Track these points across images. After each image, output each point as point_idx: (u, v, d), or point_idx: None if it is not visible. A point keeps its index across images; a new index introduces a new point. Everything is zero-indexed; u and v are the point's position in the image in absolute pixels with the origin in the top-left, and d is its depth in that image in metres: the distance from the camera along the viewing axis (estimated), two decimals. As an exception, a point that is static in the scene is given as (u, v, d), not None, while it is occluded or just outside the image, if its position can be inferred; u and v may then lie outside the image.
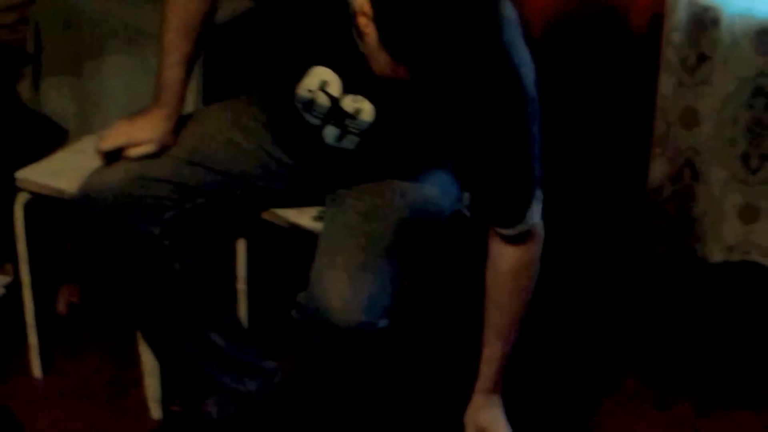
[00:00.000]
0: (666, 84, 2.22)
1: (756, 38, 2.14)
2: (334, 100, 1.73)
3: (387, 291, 1.68)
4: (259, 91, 1.94)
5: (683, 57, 2.19)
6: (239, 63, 2.23)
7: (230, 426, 1.98)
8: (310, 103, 1.76)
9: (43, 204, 2.05)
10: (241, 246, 2.00)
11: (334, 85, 1.72)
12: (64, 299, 2.38)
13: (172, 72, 1.82)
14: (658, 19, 2.23)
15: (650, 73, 2.25)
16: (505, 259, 1.73)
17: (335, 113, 1.75)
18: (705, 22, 2.17)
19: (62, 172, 2.03)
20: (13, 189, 2.04)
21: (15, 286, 2.24)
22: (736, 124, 2.19)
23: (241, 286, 2.03)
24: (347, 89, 1.72)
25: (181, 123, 1.85)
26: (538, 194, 1.70)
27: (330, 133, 1.78)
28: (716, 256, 2.28)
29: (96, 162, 1.83)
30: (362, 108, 1.72)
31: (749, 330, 2.34)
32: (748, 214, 2.24)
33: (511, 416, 1.95)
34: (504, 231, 1.70)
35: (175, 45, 1.81)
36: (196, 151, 1.83)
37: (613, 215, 2.39)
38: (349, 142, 1.78)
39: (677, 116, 2.23)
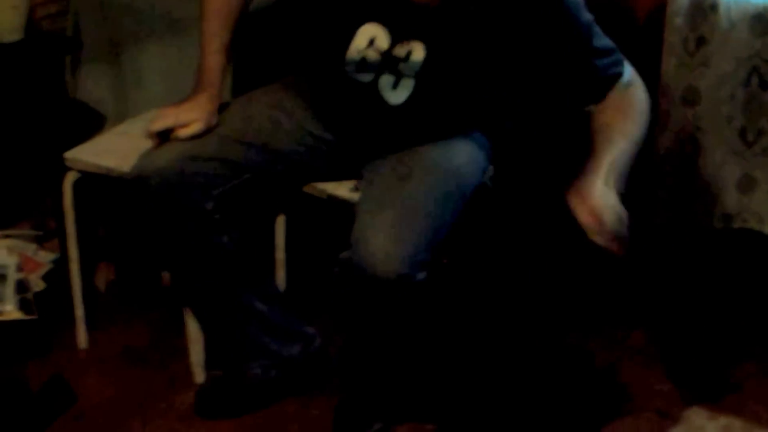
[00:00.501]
0: (668, 65, 2.25)
1: (751, 22, 2.17)
2: (385, 52, 1.80)
3: (425, 247, 1.72)
4: (297, 73, 2.00)
5: (684, 40, 2.23)
6: (268, 52, 2.25)
7: (273, 388, 2.05)
8: (362, 62, 1.81)
9: (85, 185, 2.10)
10: (281, 219, 2.06)
11: (383, 38, 1.79)
12: (103, 276, 2.44)
13: (214, 58, 1.90)
14: (660, 5, 2.26)
15: (654, 55, 2.26)
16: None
17: (388, 62, 1.81)
18: (704, 8, 2.20)
19: (109, 152, 2.08)
20: (59, 170, 2.08)
21: (61, 262, 2.29)
22: (734, 102, 2.23)
23: (280, 255, 2.09)
24: (395, 39, 1.79)
25: (222, 108, 1.92)
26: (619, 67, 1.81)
27: (386, 82, 1.83)
28: (716, 224, 2.31)
29: (140, 143, 1.90)
30: (413, 48, 1.79)
31: (747, 290, 2.39)
32: (746, 185, 2.28)
33: (527, 367, 2.05)
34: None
35: (216, 33, 1.89)
36: (240, 131, 1.90)
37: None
38: (405, 88, 1.83)
39: (679, 95, 2.27)
